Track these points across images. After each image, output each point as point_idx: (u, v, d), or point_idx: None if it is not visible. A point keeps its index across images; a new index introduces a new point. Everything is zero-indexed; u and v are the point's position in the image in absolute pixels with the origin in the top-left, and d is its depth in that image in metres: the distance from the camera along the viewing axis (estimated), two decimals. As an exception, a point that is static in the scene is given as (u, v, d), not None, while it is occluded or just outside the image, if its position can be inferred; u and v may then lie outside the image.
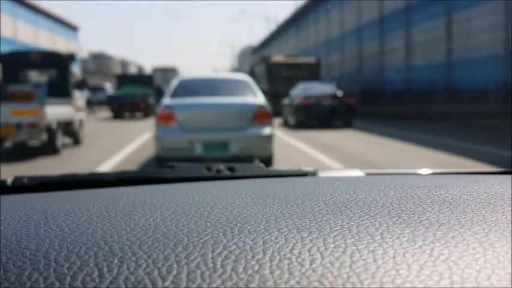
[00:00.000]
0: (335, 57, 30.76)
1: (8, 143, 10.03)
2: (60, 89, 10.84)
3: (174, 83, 7.72)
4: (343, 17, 29.48)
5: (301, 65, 24.66)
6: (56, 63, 11.48)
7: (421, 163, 8.04)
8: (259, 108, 7.02)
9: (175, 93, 7.31)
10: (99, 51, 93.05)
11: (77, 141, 11.29)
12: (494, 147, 9.96)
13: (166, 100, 7.23)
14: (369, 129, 15.02)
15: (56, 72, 11.50)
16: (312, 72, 23.80)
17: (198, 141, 6.75)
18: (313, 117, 16.45)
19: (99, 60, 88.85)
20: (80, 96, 11.84)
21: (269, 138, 7.04)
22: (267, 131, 7.00)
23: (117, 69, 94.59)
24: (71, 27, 48.06)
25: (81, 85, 11.85)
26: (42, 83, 11.10)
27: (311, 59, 25.96)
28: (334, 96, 16.63)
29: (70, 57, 11.61)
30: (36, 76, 11.97)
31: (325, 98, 16.52)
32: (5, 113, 8.97)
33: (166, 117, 6.87)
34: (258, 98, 7.32)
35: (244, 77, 8.35)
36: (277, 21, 55.73)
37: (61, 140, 10.12)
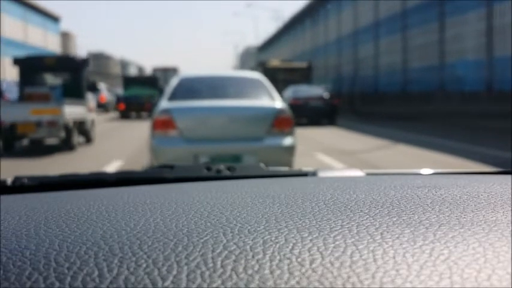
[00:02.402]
0: (347, 56, 29.90)
1: (24, 141, 10.99)
2: (74, 91, 11.67)
3: (174, 82, 6.47)
4: (370, 8, 26.93)
5: (295, 69, 27.52)
6: (70, 67, 12.35)
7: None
8: (279, 113, 5.84)
9: (175, 95, 6.09)
10: (98, 51, 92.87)
11: (89, 139, 12.07)
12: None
13: (164, 103, 5.94)
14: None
15: (70, 75, 12.28)
16: (304, 75, 26.72)
17: (204, 154, 5.63)
18: (302, 116, 18.39)
19: (99, 60, 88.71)
20: (91, 98, 12.77)
21: (291, 150, 5.84)
22: (288, 141, 5.81)
23: (117, 70, 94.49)
24: (51, 17, 42.99)
25: (92, 87, 12.83)
26: (58, 85, 11.90)
27: (303, 64, 28.81)
28: (321, 98, 18.98)
29: (84, 62, 12.53)
30: (51, 79, 12.70)
31: (313, 99, 18.86)
32: (26, 112, 9.90)
33: (164, 124, 5.69)
34: (276, 101, 6.10)
35: (256, 75, 7.12)
36: (284, 18, 54.73)
37: (76, 138, 10.99)
